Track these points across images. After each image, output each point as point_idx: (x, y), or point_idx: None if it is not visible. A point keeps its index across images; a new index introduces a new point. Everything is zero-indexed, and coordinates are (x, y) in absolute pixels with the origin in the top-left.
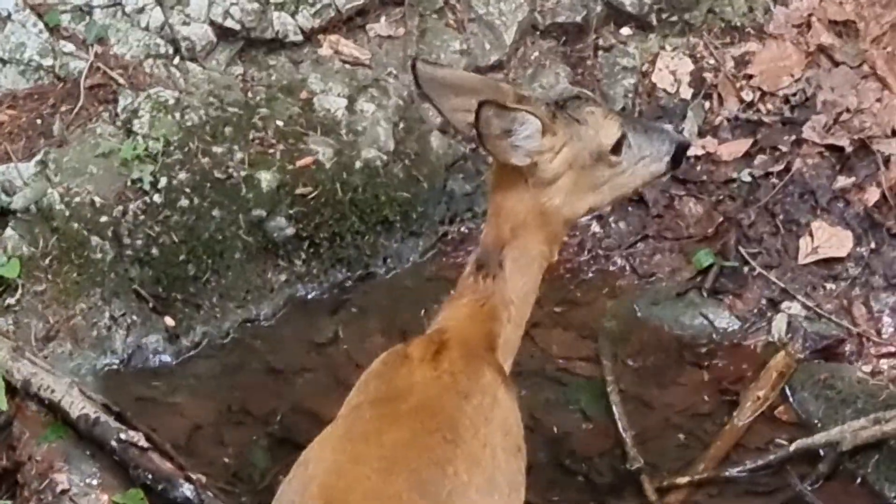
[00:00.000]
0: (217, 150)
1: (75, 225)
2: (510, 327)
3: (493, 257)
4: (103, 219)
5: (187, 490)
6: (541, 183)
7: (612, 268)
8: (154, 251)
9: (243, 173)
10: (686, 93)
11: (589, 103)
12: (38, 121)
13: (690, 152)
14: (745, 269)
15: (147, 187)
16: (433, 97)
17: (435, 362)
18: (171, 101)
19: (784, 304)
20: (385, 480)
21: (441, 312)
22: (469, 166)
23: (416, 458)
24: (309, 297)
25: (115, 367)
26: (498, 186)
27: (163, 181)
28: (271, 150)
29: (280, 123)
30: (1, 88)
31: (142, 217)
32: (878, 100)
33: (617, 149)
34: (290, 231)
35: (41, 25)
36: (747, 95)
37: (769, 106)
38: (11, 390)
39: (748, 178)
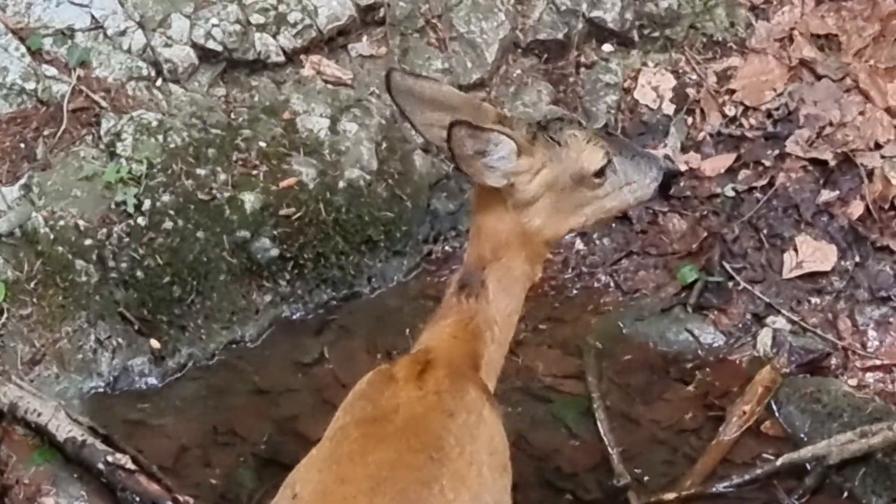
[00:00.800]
0: (200, 171)
1: (60, 248)
2: (493, 347)
3: (475, 277)
4: (87, 242)
5: None
6: (520, 204)
7: (596, 284)
8: (139, 273)
9: (227, 195)
10: (669, 108)
11: (572, 126)
12: (22, 144)
13: (679, 166)
14: (730, 284)
15: (131, 210)
16: (406, 109)
17: (420, 382)
18: (154, 124)
19: (769, 319)
20: (371, 500)
21: (425, 332)
22: (452, 185)
23: (403, 478)
24: (294, 317)
25: (101, 389)
26: (479, 206)
27: (146, 203)
28: (254, 172)
29: (263, 144)
30: None
31: (126, 240)
32: (861, 113)
33: (600, 173)
34: (275, 252)
35: (23, 49)
36: (730, 110)
37: (752, 120)
38: None
39: (732, 193)
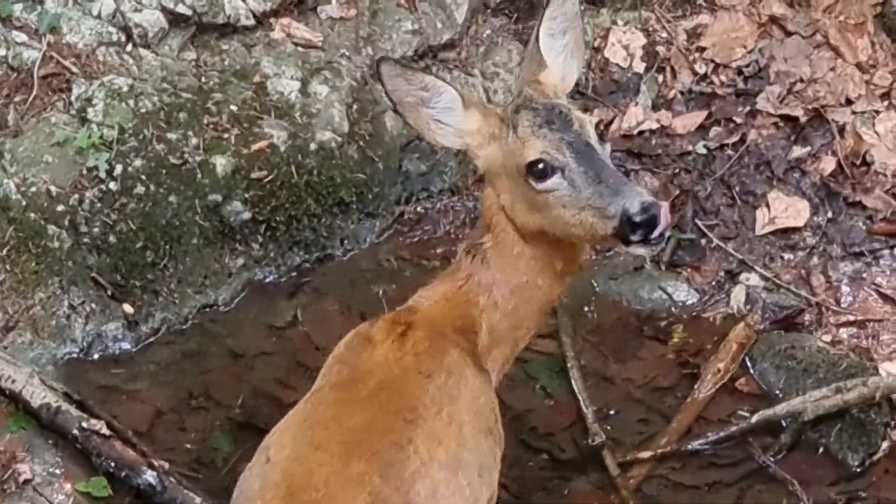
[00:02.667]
0: (172, 136)
1: (32, 215)
2: (496, 315)
3: (477, 242)
4: (60, 208)
5: (150, 477)
6: (488, 175)
7: None
8: (111, 238)
9: (198, 159)
10: (639, 67)
11: (529, 112)
12: None
13: (645, 126)
14: (703, 241)
15: (103, 175)
16: (395, 99)
17: (399, 343)
18: (125, 89)
19: (742, 276)
20: (345, 464)
21: (419, 291)
22: (424, 146)
23: (377, 441)
24: (267, 280)
25: (75, 355)
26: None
27: (118, 168)
28: (226, 135)
29: (234, 108)
30: None
31: (98, 205)
32: (832, 69)
33: (540, 175)
34: (247, 215)
35: None
36: (700, 68)
37: (722, 78)
38: None
39: (703, 151)
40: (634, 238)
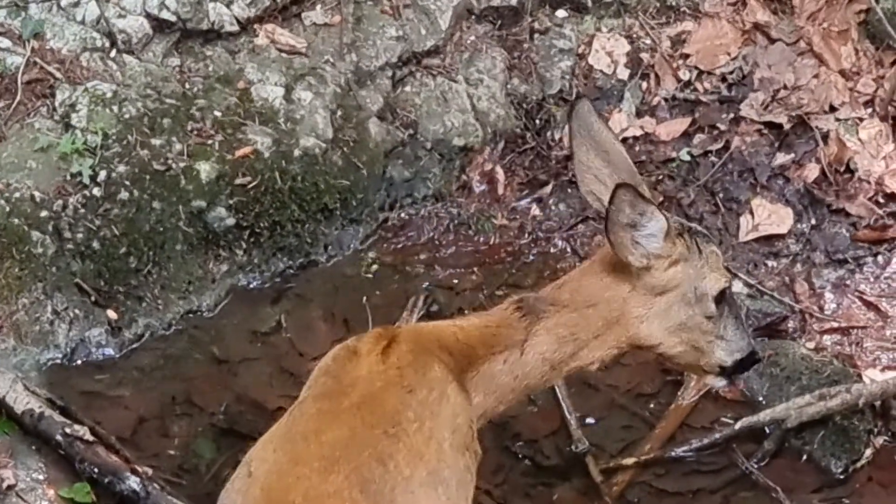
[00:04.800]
0: (156, 142)
1: (16, 220)
2: (504, 368)
3: (538, 307)
4: (43, 213)
5: (133, 483)
6: (647, 288)
7: (552, 250)
8: (95, 244)
9: (182, 165)
10: (623, 73)
11: (712, 244)
12: None
13: (629, 132)
14: None
15: (87, 181)
16: (576, 139)
17: (383, 356)
18: (109, 95)
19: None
20: (325, 479)
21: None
22: (408, 152)
23: (357, 455)
24: (250, 286)
25: (58, 361)
26: (604, 261)
27: (102, 174)
28: (210, 141)
29: (218, 114)
30: None
31: (82, 211)
32: (815, 76)
33: (718, 300)
34: (231, 221)
35: None
36: (684, 75)
37: (706, 85)
38: None
39: (687, 158)
40: (732, 375)
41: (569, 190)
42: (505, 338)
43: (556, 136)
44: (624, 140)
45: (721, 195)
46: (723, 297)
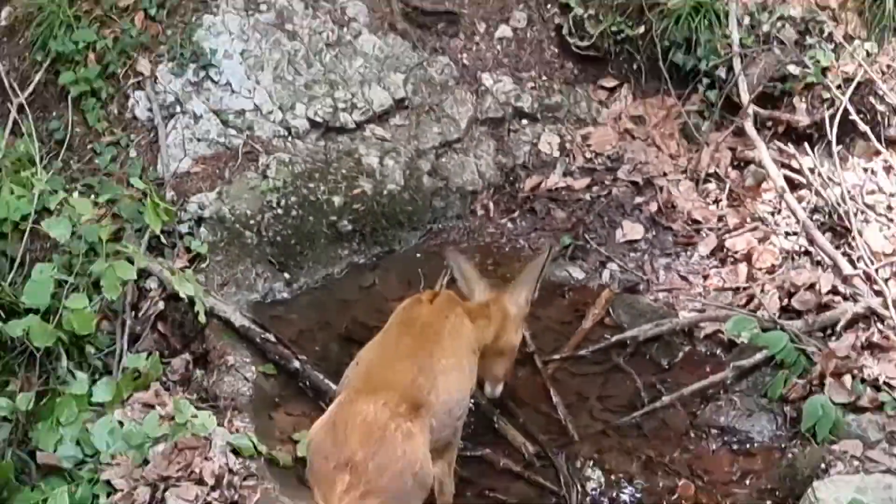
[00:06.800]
0: (311, 185)
1: (237, 225)
2: (490, 329)
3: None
4: (252, 222)
5: (296, 364)
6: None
7: (518, 246)
8: (278, 238)
9: (324, 197)
10: (557, 153)
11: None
12: (216, 171)
13: (560, 184)
14: (588, 246)
15: (274, 205)
16: (453, 265)
17: (432, 303)
18: (286, 159)
19: (608, 265)
20: (396, 364)
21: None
22: (444, 193)
23: (417, 353)
24: (360, 262)
25: (258, 299)
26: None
27: (283, 202)
28: (338, 186)
29: (343, 171)
30: (197, 154)
31: (272, 221)
32: (657, 157)
33: None
34: (350, 227)
35: (217, 120)
36: (588, 155)
37: (599, 161)
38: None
39: (589, 198)
40: None
41: (527, 215)
42: (481, 314)
43: (521, 186)
44: (557, 189)
45: (606, 218)
46: None
